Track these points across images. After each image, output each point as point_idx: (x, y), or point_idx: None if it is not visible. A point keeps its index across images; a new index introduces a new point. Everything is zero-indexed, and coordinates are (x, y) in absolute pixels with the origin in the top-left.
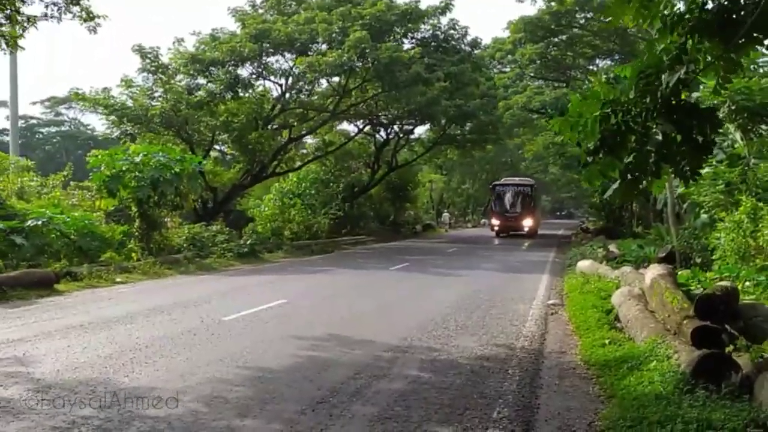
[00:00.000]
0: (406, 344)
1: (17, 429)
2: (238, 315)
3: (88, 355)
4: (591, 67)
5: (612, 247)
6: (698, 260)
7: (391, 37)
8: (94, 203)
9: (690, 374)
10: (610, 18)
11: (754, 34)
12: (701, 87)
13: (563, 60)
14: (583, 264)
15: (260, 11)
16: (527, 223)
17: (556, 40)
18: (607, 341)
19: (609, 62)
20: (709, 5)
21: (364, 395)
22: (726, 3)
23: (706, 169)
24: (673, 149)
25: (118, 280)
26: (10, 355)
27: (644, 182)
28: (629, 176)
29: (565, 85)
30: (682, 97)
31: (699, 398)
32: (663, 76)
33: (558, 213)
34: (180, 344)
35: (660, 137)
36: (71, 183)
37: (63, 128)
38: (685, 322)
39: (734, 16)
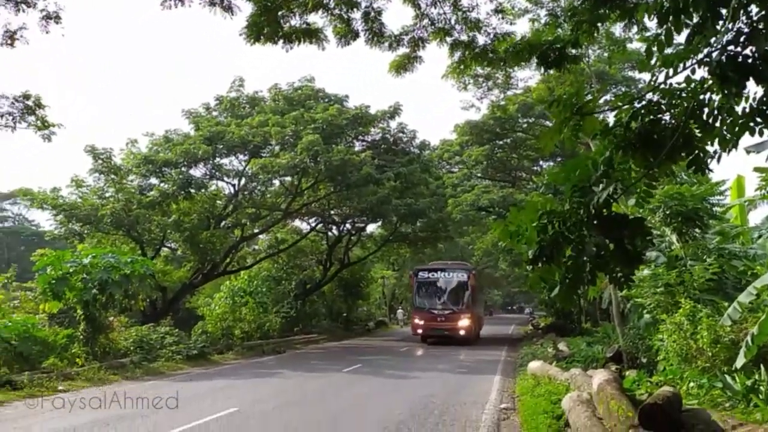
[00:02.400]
0: None
1: None
2: (185, 427)
3: None
4: (535, 168)
5: (561, 346)
6: (644, 360)
7: (343, 140)
8: (38, 305)
9: None
10: (542, 145)
11: (674, 154)
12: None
13: (509, 161)
14: (534, 365)
15: (214, 113)
16: (462, 324)
17: (500, 143)
18: None
19: (551, 164)
20: (633, 125)
21: None
22: (648, 125)
23: (646, 271)
24: (605, 258)
25: (60, 388)
26: None
27: (582, 287)
28: (567, 282)
29: (511, 185)
30: (613, 209)
31: None
32: (595, 189)
33: (509, 307)
34: None
35: (594, 248)
36: (13, 283)
37: (6, 224)
38: (630, 431)
39: (655, 136)
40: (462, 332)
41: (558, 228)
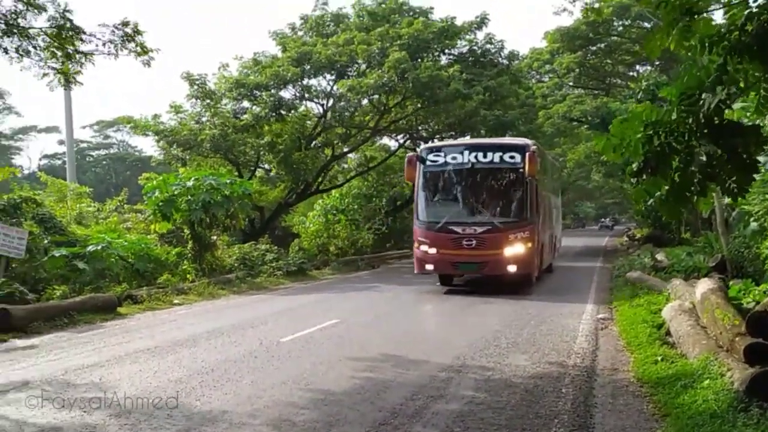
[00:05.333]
0: (459, 363)
1: None
2: (294, 336)
3: (160, 380)
4: (631, 74)
5: (660, 256)
6: (750, 269)
7: (429, 55)
8: (148, 226)
9: (744, 392)
10: (647, 51)
11: None
12: (741, 102)
13: (602, 68)
14: (632, 275)
15: (300, 33)
16: (514, 251)
17: (594, 48)
18: (659, 358)
19: (649, 68)
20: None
21: (423, 417)
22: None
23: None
24: (717, 168)
25: (175, 301)
26: (88, 380)
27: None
28: (675, 195)
29: (605, 93)
30: (725, 116)
31: (753, 416)
32: (704, 96)
33: (602, 220)
34: (243, 367)
35: (704, 157)
36: (125, 206)
37: (111, 150)
38: (737, 339)
39: None
40: (512, 266)
41: (664, 138)
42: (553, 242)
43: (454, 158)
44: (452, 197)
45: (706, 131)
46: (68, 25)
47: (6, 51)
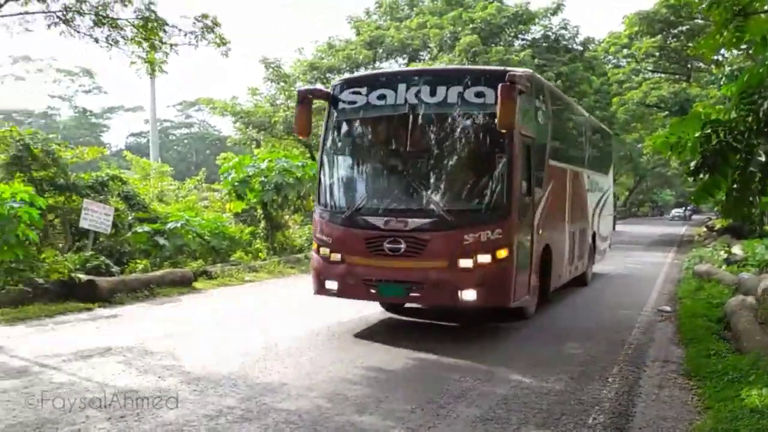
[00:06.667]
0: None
1: (176, 416)
2: (356, 317)
3: (228, 351)
4: (716, 57)
5: (736, 249)
6: None
7: (502, 40)
8: (224, 205)
9: None
10: (701, 53)
11: None
12: None
13: (684, 52)
14: (701, 268)
15: (374, 17)
16: (476, 263)
17: (675, 31)
18: (712, 352)
19: (736, 53)
20: None
21: (468, 397)
22: None
23: None
24: None
25: (247, 278)
26: (163, 348)
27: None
28: (735, 194)
29: (686, 78)
30: None
31: None
32: (766, 94)
33: (677, 210)
34: (305, 344)
35: (764, 157)
36: (203, 185)
37: (192, 130)
38: None
39: None
40: (469, 291)
41: (723, 137)
42: (586, 243)
43: (382, 97)
44: (373, 166)
45: (766, 130)
46: (153, 17)
47: (97, 41)
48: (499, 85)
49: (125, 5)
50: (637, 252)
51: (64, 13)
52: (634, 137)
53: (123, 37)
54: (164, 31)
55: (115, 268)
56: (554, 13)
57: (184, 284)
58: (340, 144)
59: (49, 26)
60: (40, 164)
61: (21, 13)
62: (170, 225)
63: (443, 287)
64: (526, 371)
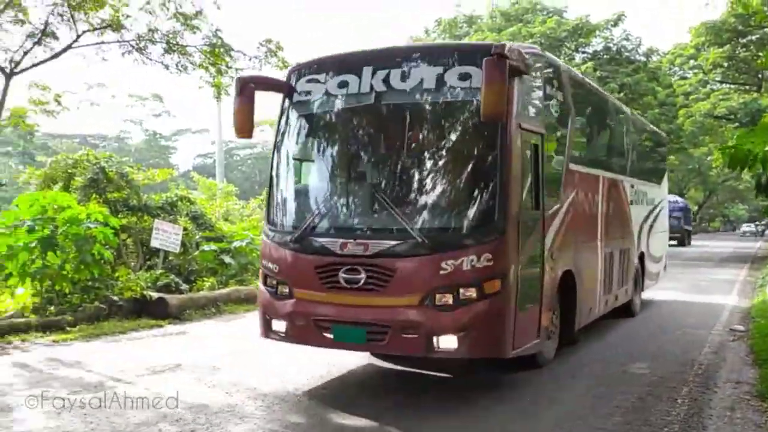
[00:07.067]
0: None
1: (243, 431)
2: None
3: (293, 367)
4: None
5: None
6: None
7: (562, 53)
8: None
9: None
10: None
11: None
12: None
13: (754, 61)
14: None
15: (433, 35)
16: (457, 301)
17: (744, 41)
18: None
19: None
20: None
21: (533, 414)
22: None
23: None
24: None
25: None
26: (231, 365)
27: None
28: None
29: (756, 88)
30: None
31: None
32: None
33: (756, 223)
34: (367, 361)
35: None
36: None
37: (256, 150)
38: None
39: None
40: (447, 336)
41: None
42: (631, 265)
43: (343, 85)
44: (329, 174)
45: None
46: (219, 42)
47: (167, 67)
48: (484, 60)
49: (194, 32)
50: (705, 268)
51: (137, 41)
52: (703, 151)
53: (191, 63)
54: (230, 56)
55: (184, 286)
56: (615, 24)
57: (250, 302)
58: (292, 146)
59: (123, 54)
60: (115, 186)
61: (97, 43)
62: (236, 244)
63: (414, 332)
64: (589, 392)
